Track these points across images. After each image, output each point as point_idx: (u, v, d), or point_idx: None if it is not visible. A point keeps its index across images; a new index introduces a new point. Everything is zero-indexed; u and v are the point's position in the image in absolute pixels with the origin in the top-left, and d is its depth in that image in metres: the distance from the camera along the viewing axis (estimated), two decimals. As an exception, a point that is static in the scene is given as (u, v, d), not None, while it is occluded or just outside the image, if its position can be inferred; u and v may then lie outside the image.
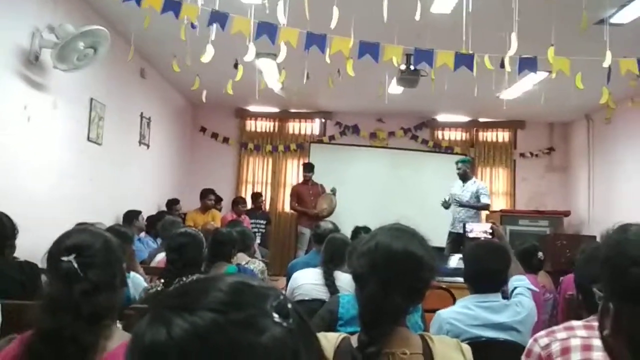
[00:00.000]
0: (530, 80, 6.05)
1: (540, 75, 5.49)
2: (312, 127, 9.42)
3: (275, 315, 0.61)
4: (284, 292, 0.66)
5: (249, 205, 8.25)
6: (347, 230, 4.37)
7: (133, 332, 0.62)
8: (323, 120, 9.36)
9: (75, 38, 4.07)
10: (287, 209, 8.83)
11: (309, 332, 0.65)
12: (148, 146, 7.04)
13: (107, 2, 4.58)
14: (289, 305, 0.64)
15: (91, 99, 5.29)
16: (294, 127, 9.45)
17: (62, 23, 4.17)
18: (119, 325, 1.56)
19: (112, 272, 1.46)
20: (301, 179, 8.49)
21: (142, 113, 6.81)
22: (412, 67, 5.33)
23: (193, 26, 3.93)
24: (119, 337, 1.41)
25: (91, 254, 1.43)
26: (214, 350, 0.57)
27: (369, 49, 3.97)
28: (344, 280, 3.04)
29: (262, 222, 8.16)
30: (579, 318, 1.64)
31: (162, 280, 2.79)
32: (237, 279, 0.65)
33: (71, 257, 1.40)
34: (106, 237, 1.51)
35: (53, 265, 1.42)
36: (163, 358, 0.57)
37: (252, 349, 0.58)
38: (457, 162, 7.09)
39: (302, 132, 9.43)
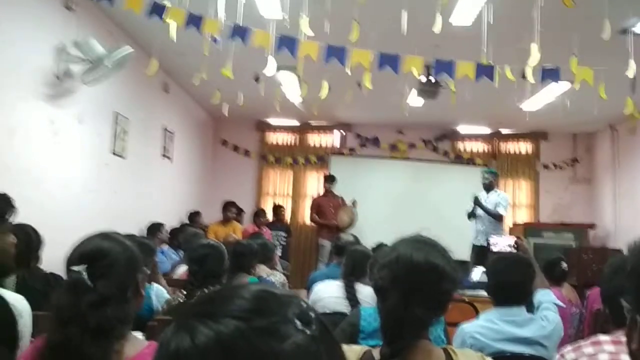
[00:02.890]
0: (553, 92, 5.99)
1: (563, 86, 5.43)
2: (332, 139, 9.44)
3: (298, 323, 0.61)
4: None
5: (270, 217, 8.28)
6: (367, 243, 4.35)
7: (159, 339, 0.63)
8: (343, 132, 9.38)
9: (104, 61, 4.15)
10: (308, 221, 8.83)
11: (332, 340, 0.66)
12: (171, 159, 7.13)
13: (131, 17, 4.67)
14: (312, 313, 0.64)
15: (115, 113, 5.39)
16: (314, 139, 9.49)
17: (87, 38, 4.26)
18: (141, 336, 1.55)
19: (125, 283, 1.41)
20: (322, 191, 8.50)
21: (165, 126, 6.90)
22: (432, 79, 5.32)
23: (215, 40, 3.98)
24: (134, 347, 1.37)
25: (105, 263, 1.39)
26: (237, 357, 0.58)
27: (388, 61, 3.97)
28: (365, 292, 3.02)
29: (283, 234, 8.17)
30: (606, 332, 1.60)
31: (184, 292, 2.81)
32: (260, 287, 0.66)
33: (81, 267, 1.36)
34: (125, 245, 1.46)
35: (66, 274, 1.41)
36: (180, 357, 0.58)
37: (274, 355, 0.58)
38: (484, 172, 7.03)
39: (323, 145, 9.45)
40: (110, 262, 1.40)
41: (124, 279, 1.41)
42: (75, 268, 1.36)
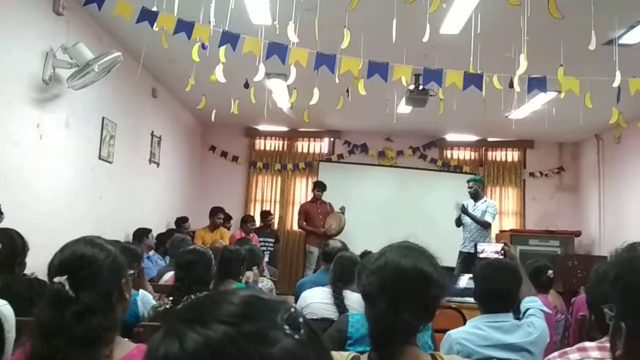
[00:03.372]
0: (539, 100, 6.06)
1: (549, 95, 5.49)
2: (320, 146, 9.46)
3: (286, 327, 0.61)
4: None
5: (258, 223, 8.26)
6: (355, 249, 4.36)
7: (148, 345, 0.63)
8: (332, 139, 9.40)
9: (91, 63, 4.13)
10: (296, 227, 8.82)
11: (320, 345, 0.66)
12: (158, 164, 7.10)
13: (120, 22, 4.65)
14: (300, 318, 0.64)
15: (103, 118, 5.36)
16: (302, 146, 9.50)
17: (76, 43, 4.24)
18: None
19: (109, 290, 1.39)
20: (310, 198, 8.50)
21: (152, 132, 6.87)
22: (420, 87, 5.36)
23: (204, 46, 3.98)
24: (122, 350, 1.36)
25: (87, 273, 1.36)
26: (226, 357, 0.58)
27: (378, 69, 4.00)
28: (353, 299, 3.02)
29: (270, 240, 8.15)
30: (591, 339, 1.62)
31: (171, 298, 2.79)
32: (249, 292, 0.66)
33: (62, 279, 1.33)
34: (108, 250, 1.43)
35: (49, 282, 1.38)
36: None
37: (262, 357, 0.58)
38: (468, 181, 7.07)
39: (311, 151, 9.46)
40: (92, 270, 1.37)
41: (107, 286, 1.38)
42: (57, 279, 1.34)
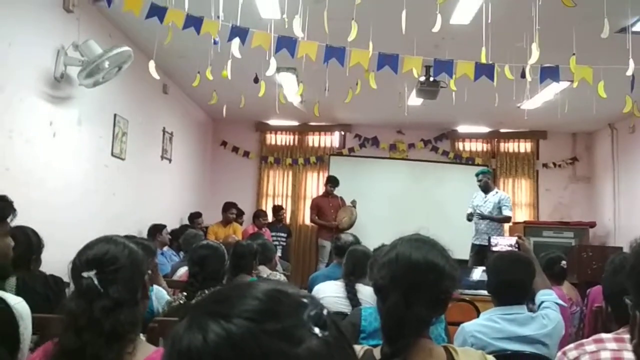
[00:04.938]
0: (552, 90, 5.99)
1: (562, 84, 5.44)
2: (331, 139, 9.45)
3: (312, 326, 0.60)
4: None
5: (270, 218, 8.28)
6: (367, 243, 4.34)
7: (171, 334, 0.62)
8: (342, 132, 9.38)
9: (101, 58, 4.15)
10: (308, 221, 8.83)
11: (346, 345, 0.64)
12: (170, 161, 7.13)
13: (130, 19, 4.67)
14: (327, 316, 0.62)
15: (115, 115, 5.38)
16: (313, 140, 9.49)
17: (87, 40, 4.26)
18: (142, 337, 1.55)
19: (134, 286, 1.43)
20: (321, 192, 8.49)
21: (164, 128, 6.90)
22: (431, 79, 5.32)
23: (215, 42, 3.98)
24: (142, 352, 1.40)
25: (113, 269, 1.40)
26: (248, 358, 0.57)
27: (388, 61, 3.97)
28: (366, 292, 3.02)
29: (283, 235, 8.18)
30: (607, 331, 1.60)
31: (185, 294, 2.80)
32: (275, 286, 0.65)
33: (91, 273, 1.37)
34: (131, 249, 1.48)
35: (74, 279, 1.41)
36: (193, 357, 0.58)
37: (286, 358, 0.57)
38: (477, 174, 7.02)
39: (322, 145, 9.45)
40: (118, 266, 1.41)
41: (132, 283, 1.43)
42: (85, 274, 1.37)
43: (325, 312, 0.63)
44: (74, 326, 1.33)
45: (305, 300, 0.63)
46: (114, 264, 1.41)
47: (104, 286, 1.37)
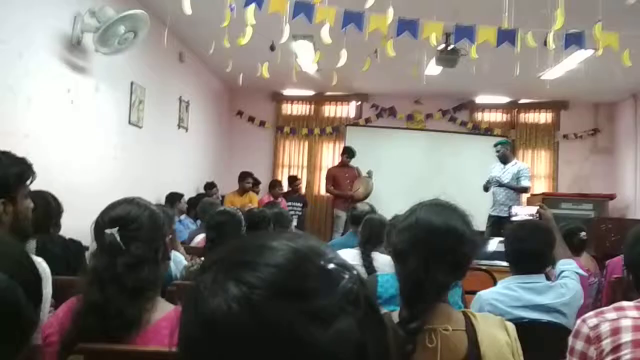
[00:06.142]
0: (575, 59, 5.83)
1: (586, 52, 5.28)
2: (347, 109, 9.36)
3: (344, 303, 0.54)
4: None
5: (286, 188, 8.29)
6: (383, 213, 4.32)
7: (192, 290, 0.58)
8: (359, 102, 9.28)
9: (116, 22, 4.13)
10: (323, 192, 8.83)
11: (379, 323, 0.59)
12: (187, 129, 7.14)
13: (146, -14, 4.63)
14: (362, 292, 0.57)
15: (132, 83, 5.38)
16: (329, 110, 9.41)
17: (103, 6, 4.23)
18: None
19: (156, 246, 1.47)
20: (337, 162, 8.47)
21: (180, 97, 6.89)
22: (451, 46, 5.21)
23: (231, 7, 3.92)
24: (161, 309, 1.42)
25: (135, 227, 1.43)
26: (274, 336, 0.52)
27: (407, 26, 3.89)
28: (382, 260, 3.02)
29: (298, 205, 8.20)
30: (629, 299, 1.58)
31: (202, 259, 2.83)
32: (305, 250, 0.58)
33: (114, 230, 1.41)
34: (152, 210, 1.51)
35: (98, 237, 1.45)
36: (216, 328, 0.54)
37: (314, 341, 0.52)
38: (495, 145, 6.93)
39: (338, 115, 9.38)
40: (139, 225, 1.45)
41: (153, 242, 1.47)
42: (108, 231, 1.41)
43: (360, 287, 0.57)
44: (97, 281, 1.38)
45: (338, 271, 0.57)
46: (135, 222, 1.44)
47: (125, 243, 1.40)
